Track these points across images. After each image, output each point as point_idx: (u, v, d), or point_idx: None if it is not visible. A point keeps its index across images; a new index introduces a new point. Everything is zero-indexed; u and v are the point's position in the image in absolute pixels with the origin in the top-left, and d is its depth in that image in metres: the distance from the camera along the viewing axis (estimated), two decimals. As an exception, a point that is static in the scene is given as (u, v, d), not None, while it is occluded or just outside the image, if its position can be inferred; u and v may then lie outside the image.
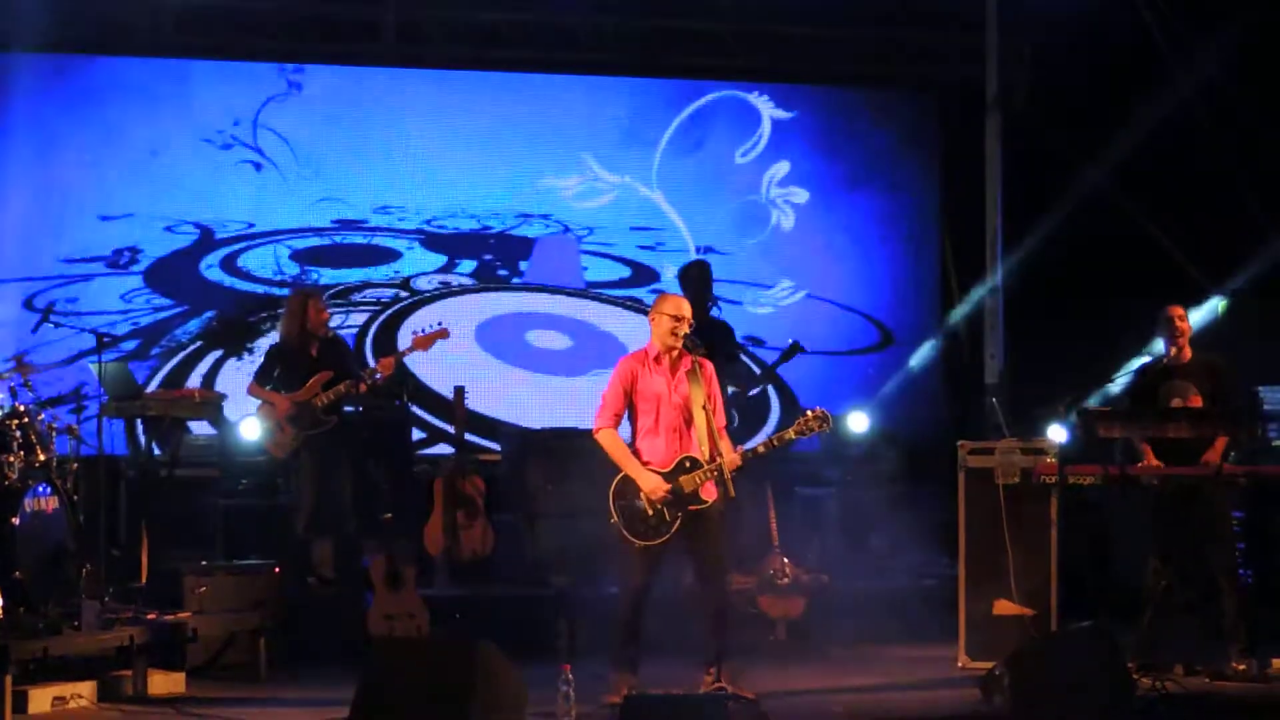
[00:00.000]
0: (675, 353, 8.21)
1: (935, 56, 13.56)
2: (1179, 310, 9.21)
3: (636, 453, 8.18)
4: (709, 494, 8.12)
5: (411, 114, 12.98)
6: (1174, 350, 9.16)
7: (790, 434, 8.17)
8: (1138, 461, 9.02)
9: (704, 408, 8.08)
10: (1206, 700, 8.30)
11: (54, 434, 8.89)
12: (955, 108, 13.53)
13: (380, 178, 12.92)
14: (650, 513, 8.05)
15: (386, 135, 12.93)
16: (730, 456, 8.03)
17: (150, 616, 8.84)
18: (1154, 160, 12.00)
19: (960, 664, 9.24)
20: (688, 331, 8.18)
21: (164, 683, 8.63)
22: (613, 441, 8.21)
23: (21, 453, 8.60)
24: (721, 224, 13.46)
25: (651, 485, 8.05)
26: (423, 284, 12.98)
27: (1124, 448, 9.17)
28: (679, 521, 8.05)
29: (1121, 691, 7.72)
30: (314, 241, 12.82)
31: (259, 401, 10.34)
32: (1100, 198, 12.20)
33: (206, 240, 12.62)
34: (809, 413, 8.15)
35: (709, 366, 8.27)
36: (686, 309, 8.24)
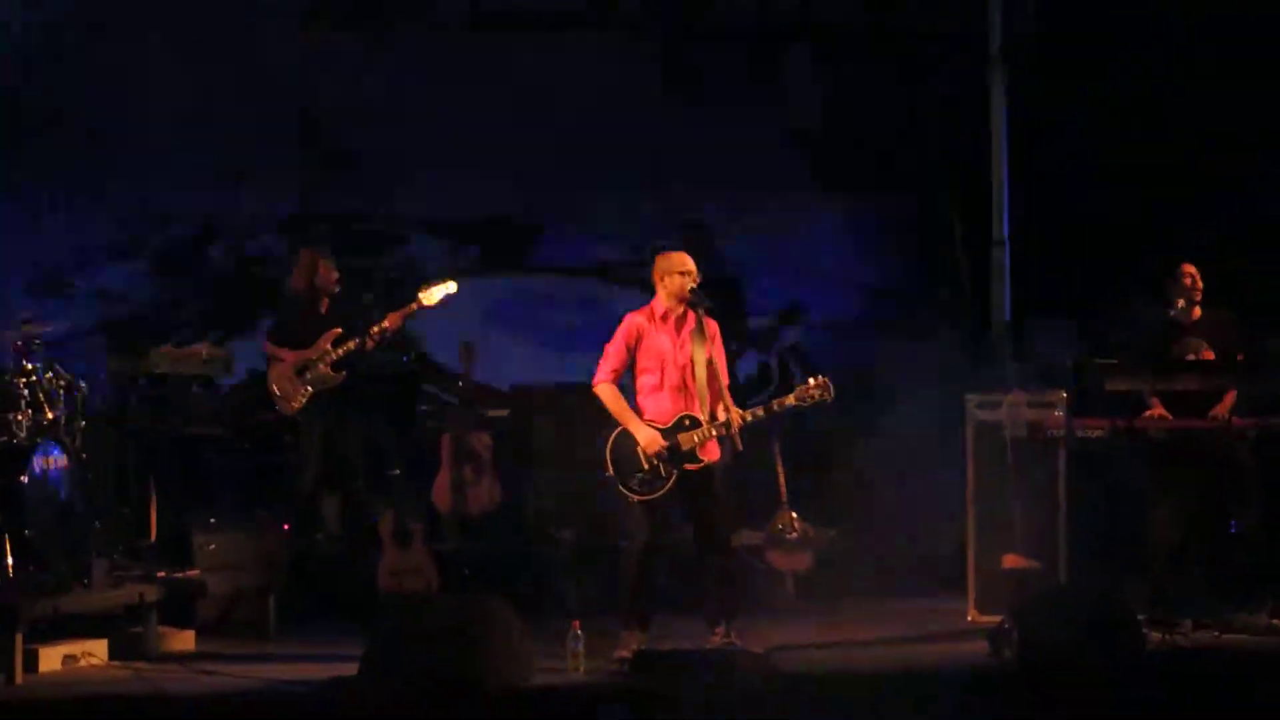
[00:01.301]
0: (681, 309, 8.19)
1: (937, 8, 13.35)
2: (1192, 268, 9.23)
3: (640, 410, 8.18)
4: (709, 454, 8.11)
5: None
6: (1186, 306, 9.19)
7: (790, 400, 8.20)
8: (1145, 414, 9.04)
9: (708, 364, 8.07)
10: (1216, 654, 8.30)
11: (61, 391, 8.89)
12: (959, 61, 13.31)
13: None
14: (646, 467, 8.04)
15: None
16: (732, 414, 8.02)
17: (160, 574, 8.85)
18: (1162, 109, 11.91)
19: (969, 617, 9.26)
20: (694, 285, 8.18)
21: (174, 640, 8.68)
22: (612, 395, 8.20)
23: (30, 411, 8.63)
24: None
25: (648, 439, 8.04)
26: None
27: (1131, 401, 9.16)
28: (674, 478, 8.05)
29: (1130, 645, 7.74)
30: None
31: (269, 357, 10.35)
32: (1108, 149, 12.11)
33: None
34: (810, 380, 8.20)
35: (713, 325, 8.26)
36: (691, 263, 8.23)
